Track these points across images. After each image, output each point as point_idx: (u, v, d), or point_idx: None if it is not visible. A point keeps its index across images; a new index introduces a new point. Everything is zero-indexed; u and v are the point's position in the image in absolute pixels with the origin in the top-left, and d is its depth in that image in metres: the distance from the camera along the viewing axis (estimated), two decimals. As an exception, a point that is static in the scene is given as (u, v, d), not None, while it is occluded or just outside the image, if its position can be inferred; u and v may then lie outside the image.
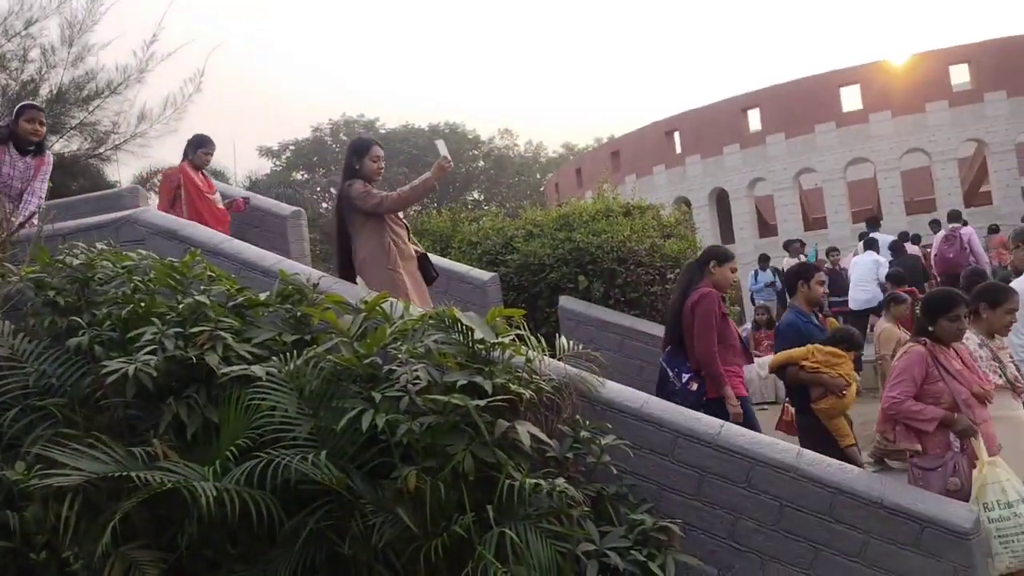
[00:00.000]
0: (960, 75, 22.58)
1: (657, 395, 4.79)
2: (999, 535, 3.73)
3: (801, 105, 23.45)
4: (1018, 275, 6.39)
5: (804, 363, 5.00)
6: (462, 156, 55.75)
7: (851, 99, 23.23)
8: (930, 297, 4.62)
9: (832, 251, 17.32)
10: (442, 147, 5.36)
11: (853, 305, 13.27)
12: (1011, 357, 4.91)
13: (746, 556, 3.72)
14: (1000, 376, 4.64)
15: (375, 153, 5.27)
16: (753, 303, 17.47)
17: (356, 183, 5.11)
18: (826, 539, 3.62)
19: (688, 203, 27.04)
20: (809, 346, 5.07)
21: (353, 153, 5.30)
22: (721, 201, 26.30)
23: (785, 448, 3.88)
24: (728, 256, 5.62)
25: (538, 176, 56.58)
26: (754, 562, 3.70)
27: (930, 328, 4.36)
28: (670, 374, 5.44)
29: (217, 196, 6.54)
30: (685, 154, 26.94)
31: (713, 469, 3.82)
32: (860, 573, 3.57)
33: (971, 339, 4.80)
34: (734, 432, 3.95)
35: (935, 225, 16.07)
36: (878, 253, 13.81)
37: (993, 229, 17.33)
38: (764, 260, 17.27)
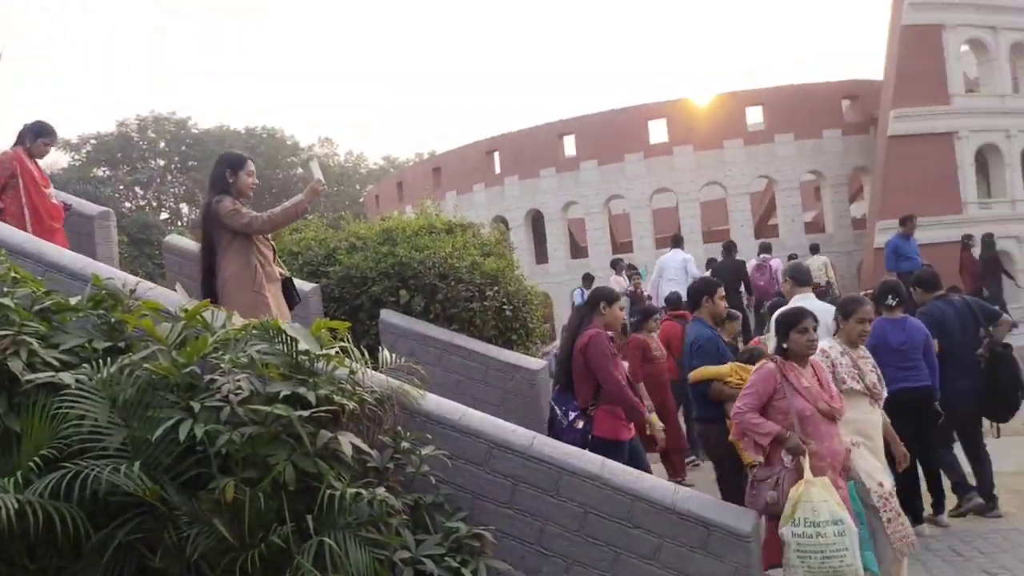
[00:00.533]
0: (755, 116, 24.67)
1: (548, 434, 4.97)
2: (798, 550, 3.96)
3: (613, 135, 24.76)
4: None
5: (729, 380, 5.34)
6: (279, 162, 54.19)
7: (658, 132, 24.79)
8: (781, 314, 4.75)
9: (634, 274, 18.35)
10: (316, 168, 5.21)
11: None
12: (873, 367, 5.17)
13: (552, 560, 3.92)
14: (859, 382, 4.97)
15: (250, 168, 5.12)
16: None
17: (225, 199, 4.91)
18: (625, 543, 3.86)
19: (506, 222, 27.75)
20: (732, 364, 5.41)
21: (227, 166, 5.08)
22: (537, 222, 27.18)
23: (591, 459, 4.14)
24: (615, 296, 5.83)
25: (358, 187, 55.97)
26: (559, 566, 3.90)
27: (784, 345, 4.50)
28: (558, 412, 5.62)
29: (52, 191, 6.08)
30: (504, 174, 27.65)
31: (525, 478, 4.01)
32: (654, 574, 3.83)
33: (834, 347, 5.14)
34: (545, 443, 4.18)
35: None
36: (683, 250, 14.84)
37: (792, 259, 19.04)
38: (588, 279, 17.72)
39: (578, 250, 27.26)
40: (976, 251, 16.79)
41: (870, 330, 5.25)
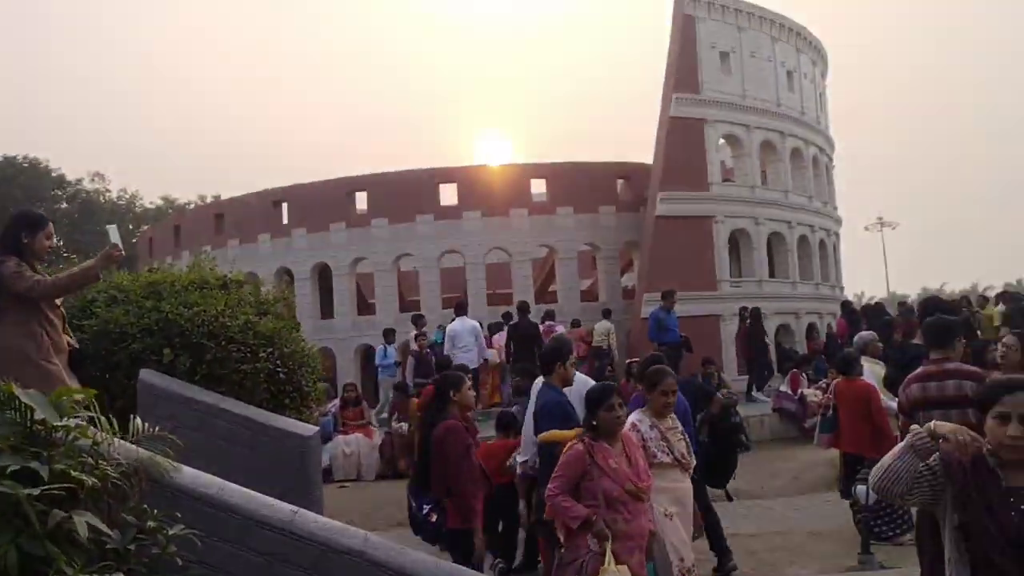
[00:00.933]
0: (539, 188, 25.89)
1: (411, 526, 4.94)
2: None
3: (404, 194, 25.01)
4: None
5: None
6: (41, 196, 49.80)
7: (448, 195, 25.33)
8: (590, 392, 4.82)
9: (420, 335, 18.46)
10: (114, 233, 4.86)
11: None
12: (682, 435, 5.37)
13: (310, 639, 3.84)
14: (668, 455, 5.15)
15: (50, 230, 4.76)
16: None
17: (10, 260, 4.51)
18: (387, 618, 3.87)
19: (291, 274, 27.05)
20: (577, 429, 5.49)
21: (24, 226, 4.70)
22: (323, 276, 26.71)
23: (354, 533, 4.11)
24: (461, 380, 5.91)
25: (131, 227, 52.46)
26: (317, 644, 3.83)
27: (593, 422, 4.56)
28: (413, 506, 5.53)
29: None
30: (291, 226, 27.02)
31: (285, 556, 3.89)
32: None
33: (643, 420, 5.27)
34: (308, 519, 4.09)
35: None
36: (468, 317, 15.38)
37: (575, 323, 19.99)
38: (389, 334, 17.56)
39: (365, 306, 27.03)
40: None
41: (674, 401, 5.49)
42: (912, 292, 57.86)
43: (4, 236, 4.74)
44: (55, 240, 4.80)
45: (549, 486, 4.51)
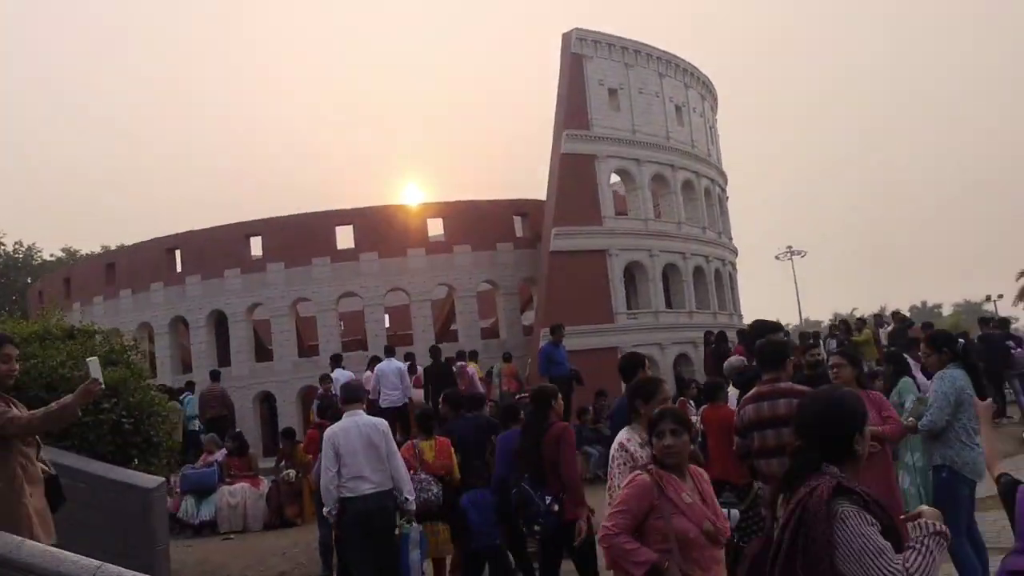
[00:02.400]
0: (436, 228, 25.96)
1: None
2: None
3: (300, 238, 24.74)
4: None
5: None
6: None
7: (345, 238, 25.16)
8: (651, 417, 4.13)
9: (325, 378, 18.22)
10: (94, 367, 4.57)
11: (384, 403, 15.17)
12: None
13: None
14: None
15: (8, 352, 4.47)
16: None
17: None
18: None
19: (186, 323, 26.33)
20: None
21: None
22: (220, 323, 26.08)
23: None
24: (556, 392, 6.53)
25: (29, 280, 50.29)
26: None
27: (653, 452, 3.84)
28: (535, 498, 6.00)
29: None
30: (185, 273, 26.37)
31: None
32: None
33: (633, 439, 4.70)
34: (112, 571, 3.96)
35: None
36: (396, 359, 16.29)
37: (506, 358, 19.90)
38: (325, 379, 17.59)
39: (264, 352, 26.46)
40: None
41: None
42: (824, 317, 60.12)
43: None
44: (16, 364, 4.53)
45: (605, 524, 3.75)
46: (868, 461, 5.71)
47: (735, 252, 32.98)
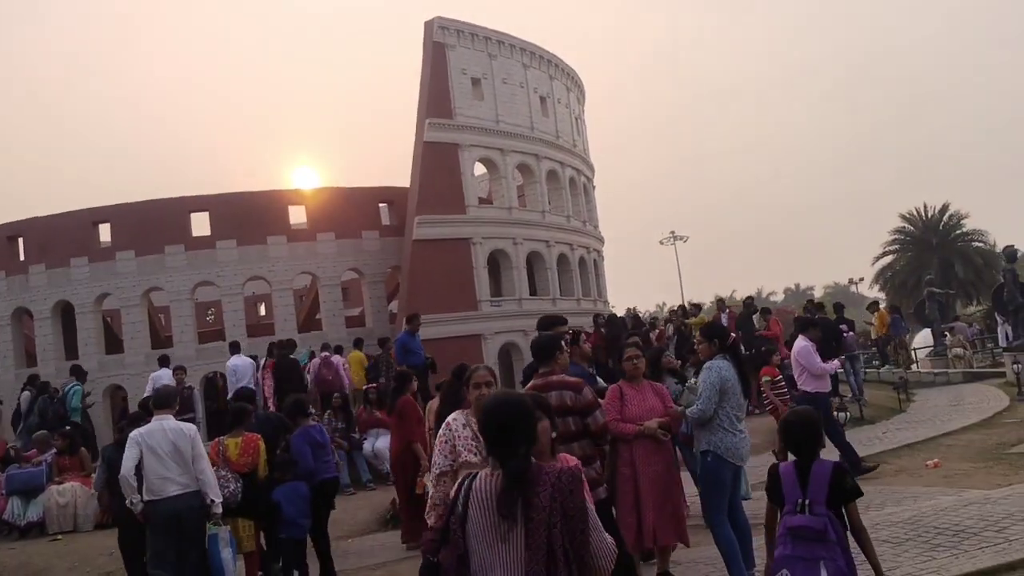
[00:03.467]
0: (298, 215, 25.45)
1: None
2: None
3: (152, 225, 23.76)
4: None
5: None
6: None
7: (201, 225, 24.33)
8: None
9: (178, 369, 17.76)
10: None
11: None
12: None
13: None
14: (476, 455, 4.67)
15: None
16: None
17: None
18: None
19: (30, 313, 24.93)
20: None
21: None
22: (67, 314, 24.80)
23: None
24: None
25: None
26: None
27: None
28: None
29: None
30: (29, 262, 24.92)
31: None
32: None
33: (457, 419, 4.89)
34: None
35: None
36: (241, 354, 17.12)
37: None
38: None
39: (115, 343, 25.32)
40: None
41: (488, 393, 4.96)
42: (706, 300, 62.33)
43: None
44: None
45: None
46: (656, 448, 6.08)
47: (601, 240, 33.82)
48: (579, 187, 31.35)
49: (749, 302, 22.25)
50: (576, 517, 2.80)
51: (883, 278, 50.68)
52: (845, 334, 18.62)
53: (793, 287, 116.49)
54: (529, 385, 5.64)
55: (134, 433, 7.06)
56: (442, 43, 25.17)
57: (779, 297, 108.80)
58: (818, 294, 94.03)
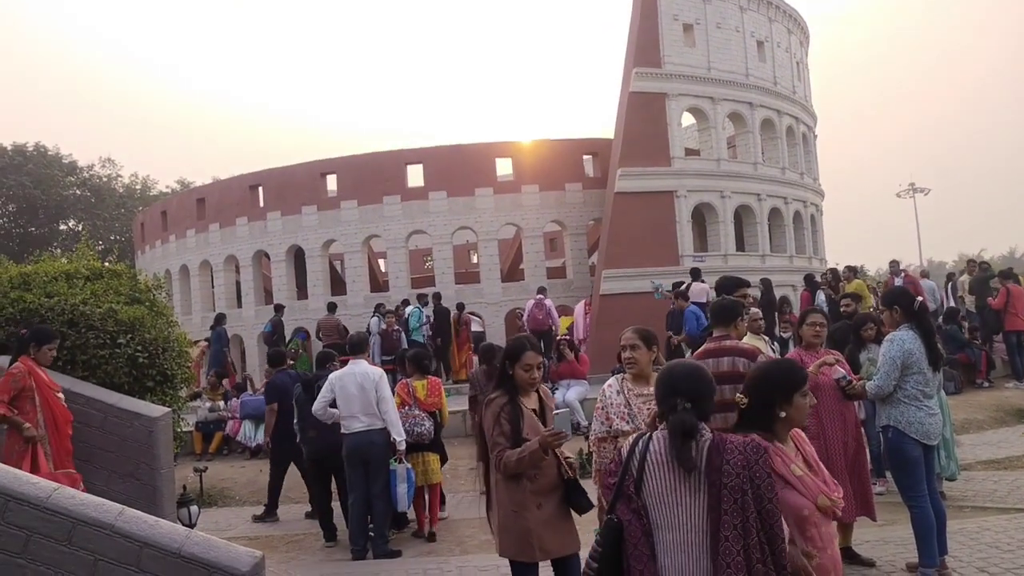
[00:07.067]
0: (504, 167, 26.02)
1: None
2: None
3: (372, 177, 25.29)
4: None
5: None
6: (51, 182, 50.47)
7: (415, 176, 25.55)
8: (777, 373, 3.44)
9: (389, 312, 19.09)
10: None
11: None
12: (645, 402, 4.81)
13: (59, 605, 4.17)
14: (629, 423, 4.74)
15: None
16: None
17: None
18: (132, 587, 4.20)
19: (268, 256, 27.46)
20: None
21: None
22: (298, 257, 27.10)
23: (108, 509, 4.42)
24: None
25: (141, 210, 53.18)
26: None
27: (781, 413, 3.29)
28: None
29: (61, 395, 6.30)
30: (267, 209, 27.39)
31: (39, 529, 4.24)
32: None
33: (612, 385, 4.98)
34: (66, 495, 4.41)
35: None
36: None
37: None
38: (390, 314, 18.91)
39: (339, 285, 27.41)
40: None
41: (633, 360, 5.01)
42: (949, 259, 57.09)
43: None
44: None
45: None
46: (841, 408, 5.79)
47: (820, 194, 31.84)
48: (797, 136, 29.55)
49: (985, 266, 20.13)
50: (763, 486, 2.81)
51: None
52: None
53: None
54: (701, 349, 5.44)
55: (332, 375, 7.89)
56: (653, -12, 24.42)
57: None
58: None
